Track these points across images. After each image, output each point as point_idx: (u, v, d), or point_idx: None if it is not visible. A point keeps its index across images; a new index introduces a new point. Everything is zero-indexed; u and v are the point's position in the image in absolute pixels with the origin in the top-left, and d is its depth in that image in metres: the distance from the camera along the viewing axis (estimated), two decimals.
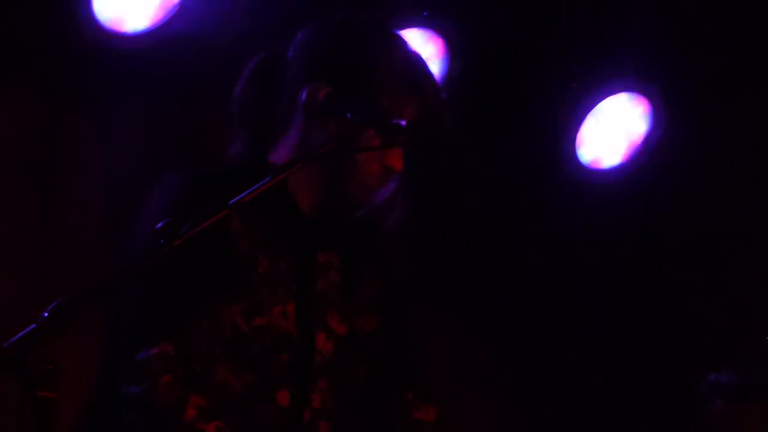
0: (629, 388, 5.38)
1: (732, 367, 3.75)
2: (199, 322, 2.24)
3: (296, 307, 2.33)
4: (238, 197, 2.01)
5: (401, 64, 2.39)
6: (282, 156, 2.36)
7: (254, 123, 2.45)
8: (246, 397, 2.27)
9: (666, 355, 5.49)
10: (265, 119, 2.43)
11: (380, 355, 2.45)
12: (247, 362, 2.28)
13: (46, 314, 1.80)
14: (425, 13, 4.14)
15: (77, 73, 4.02)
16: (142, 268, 1.93)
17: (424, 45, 4.18)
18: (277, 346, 2.30)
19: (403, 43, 2.45)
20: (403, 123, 2.20)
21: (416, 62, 2.43)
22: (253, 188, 2.04)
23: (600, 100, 4.54)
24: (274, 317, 2.30)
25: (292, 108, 2.38)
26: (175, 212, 2.05)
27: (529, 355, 5.14)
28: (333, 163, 2.32)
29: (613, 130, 4.65)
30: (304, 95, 2.32)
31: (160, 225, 1.93)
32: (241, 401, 2.27)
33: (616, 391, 5.33)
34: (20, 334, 1.76)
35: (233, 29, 4.17)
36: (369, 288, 2.46)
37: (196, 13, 3.68)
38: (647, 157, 4.69)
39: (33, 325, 1.78)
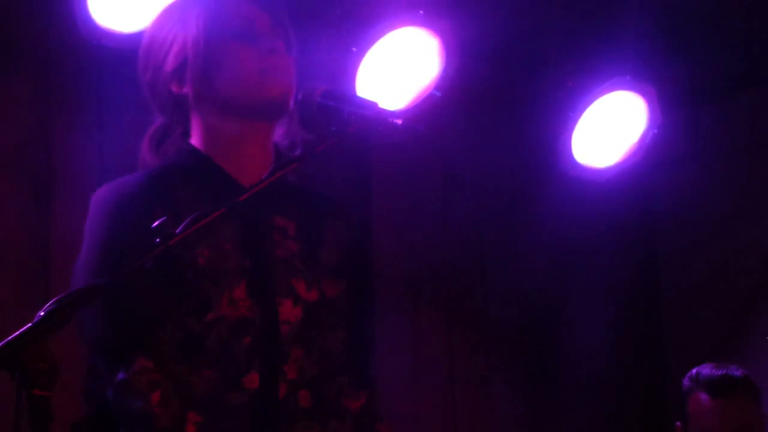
0: (623, 384, 5.39)
1: (711, 363, 3.80)
2: (164, 328, 2.24)
3: (248, 282, 2.31)
4: (230, 201, 2.03)
5: None
6: (204, 135, 2.43)
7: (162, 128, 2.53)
8: (212, 393, 2.25)
9: (662, 352, 5.50)
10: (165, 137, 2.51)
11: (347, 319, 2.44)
12: (205, 359, 2.26)
13: (42, 313, 1.80)
14: (421, 11, 4.13)
15: (73, 74, 4.02)
16: (139, 268, 1.93)
17: (420, 43, 4.18)
18: (236, 333, 2.28)
19: None
20: (399, 122, 2.21)
21: None
22: (250, 191, 2.06)
23: (596, 99, 4.54)
24: (224, 308, 2.28)
25: (177, 101, 2.45)
26: (131, 222, 2.19)
27: (525, 351, 5.14)
28: (211, 91, 2.40)
29: (609, 129, 4.65)
30: (299, 96, 2.33)
31: (155, 224, 1.94)
32: (208, 397, 2.25)
33: (610, 386, 5.34)
34: (16, 333, 1.76)
35: None
36: (332, 250, 2.45)
37: None
38: (643, 155, 4.70)
39: (29, 324, 1.78)
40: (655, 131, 4.65)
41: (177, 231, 1.95)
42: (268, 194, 2.20)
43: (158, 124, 2.54)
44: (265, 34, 2.43)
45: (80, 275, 2.29)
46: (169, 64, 2.45)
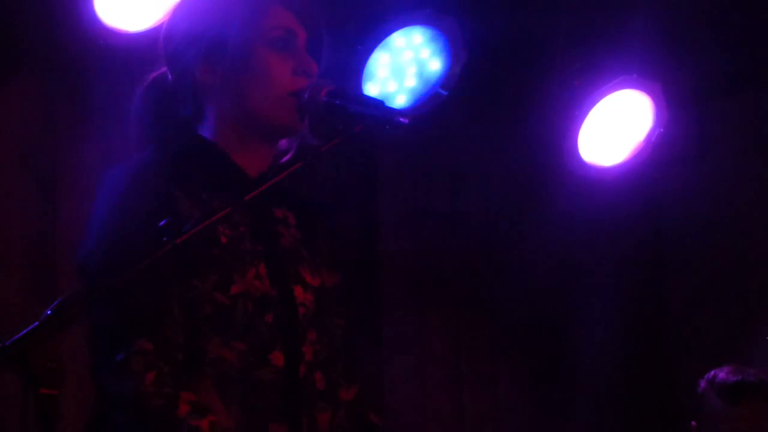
0: (629, 383, 5.38)
1: (730, 366, 3.78)
2: (170, 311, 2.25)
3: (266, 266, 2.35)
4: (237, 201, 2.04)
5: None
6: (217, 128, 2.44)
7: (164, 116, 2.51)
8: (243, 366, 2.29)
9: (667, 350, 5.49)
10: (170, 110, 2.49)
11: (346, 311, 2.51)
12: (235, 332, 2.29)
13: (48, 312, 1.80)
14: (428, 10, 4.13)
15: (79, 72, 4.02)
16: (145, 266, 1.94)
17: (427, 42, 4.18)
18: (260, 309, 2.32)
19: None
20: (405, 121, 2.22)
21: None
22: (257, 189, 2.11)
23: (602, 97, 4.54)
24: (249, 281, 2.32)
25: (197, 86, 2.45)
26: (149, 201, 2.22)
27: (532, 350, 5.14)
28: (244, 92, 2.41)
29: (615, 128, 4.65)
30: (306, 95, 2.35)
31: (163, 223, 1.95)
32: (239, 371, 2.28)
33: (617, 385, 5.33)
34: (23, 332, 1.76)
35: None
36: (325, 243, 2.52)
37: None
38: (649, 154, 4.69)
39: (36, 323, 1.79)
40: (661, 130, 4.65)
41: (185, 229, 1.95)
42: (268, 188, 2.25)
43: (160, 73, 2.53)
44: (302, 52, 2.45)
45: (93, 257, 2.28)
46: (202, 49, 2.45)
